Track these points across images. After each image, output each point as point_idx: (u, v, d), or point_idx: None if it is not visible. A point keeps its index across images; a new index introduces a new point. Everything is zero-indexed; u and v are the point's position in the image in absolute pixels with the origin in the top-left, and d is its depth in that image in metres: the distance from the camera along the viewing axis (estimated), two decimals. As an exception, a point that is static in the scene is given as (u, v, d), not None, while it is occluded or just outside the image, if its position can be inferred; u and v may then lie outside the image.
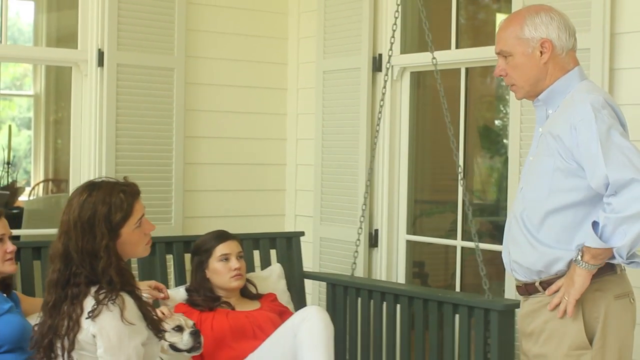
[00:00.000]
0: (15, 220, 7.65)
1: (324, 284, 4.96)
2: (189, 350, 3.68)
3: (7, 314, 3.59)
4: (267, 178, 5.54)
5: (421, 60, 4.78)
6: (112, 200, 2.98)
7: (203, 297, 4.17)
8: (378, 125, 4.88)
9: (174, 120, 5.03)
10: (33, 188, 10.17)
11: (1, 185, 9.32)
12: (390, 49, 4.81)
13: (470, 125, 5.54)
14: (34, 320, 3.18)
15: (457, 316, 4.10)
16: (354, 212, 5.01)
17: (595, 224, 2.95)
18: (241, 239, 4.39)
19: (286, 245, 4.89)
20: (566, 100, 3.10)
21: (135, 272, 4.28)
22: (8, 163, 10.40)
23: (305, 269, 4.97)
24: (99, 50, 4.82)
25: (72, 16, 5.13)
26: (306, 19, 5.49)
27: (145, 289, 4.09)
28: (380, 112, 4.85)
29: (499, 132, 6.70)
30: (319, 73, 5.30)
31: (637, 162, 2.87)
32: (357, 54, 5.02)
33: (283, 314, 4.16)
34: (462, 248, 4.80)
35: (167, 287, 4.32)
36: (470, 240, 4.32)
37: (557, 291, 3.06)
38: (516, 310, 3.78)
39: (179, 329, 3.65)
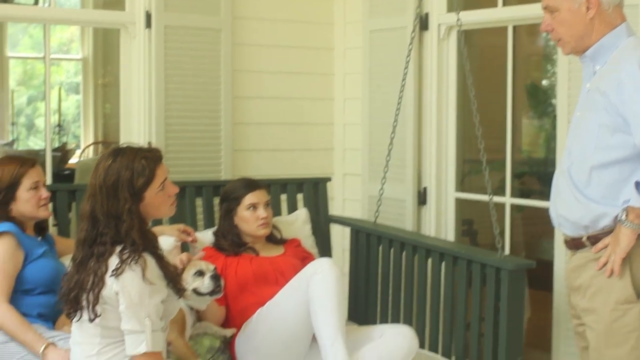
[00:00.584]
0: (68, 182, 7.80)
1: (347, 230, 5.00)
2: (210, 294, 3.80)
3: (41, 259, 3.76)
4: (315, 137, 5.57)
5: (468, 18, 4.75)
6: (134, 166, 3.09)
7: (230, 242, 4.27)
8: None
9: (221, 80, 5.07)
10: (83, 150, 10.33)
11: (52, 148, 9.44)
12: (436, 7, 4.81)
13: (517, 84, 5.52)
14: (68, 260, 3.31)
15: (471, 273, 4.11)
16: (402, 169, 5.03)
17: (638, 184, 2.96)
18: (269, 183, 4.46)
19: (313, 190, 4.94)
20: (613, 57, 3.09)
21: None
22: (59, 125, 10.56)
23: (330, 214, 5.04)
24: (147, 12, 4.87)
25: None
26: (352, -22, 5.49)
27: (174, 232, 4.20)
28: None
29: (547, 91, 6.66)
30: (366, 32, 5.30)
31: None
32: (404, 13, 5.01)
33: (306, 260, 4.21)
34: (512, 205, 4.81)
35: (196, 230, 4.42)
36: (520, 197, 4.29)
37: (603, 249, 3.08)
38: (562, 264, 3.78)
39: (200, 273, 3.79)
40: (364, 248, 4.76)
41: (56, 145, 10.13)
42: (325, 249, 4.85)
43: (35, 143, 11.71)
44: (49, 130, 5.20)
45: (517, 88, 5.63)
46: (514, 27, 4.77)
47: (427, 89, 5.02)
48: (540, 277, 4.85)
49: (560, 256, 4.29)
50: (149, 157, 3.14)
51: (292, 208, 4.88)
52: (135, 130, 4.95)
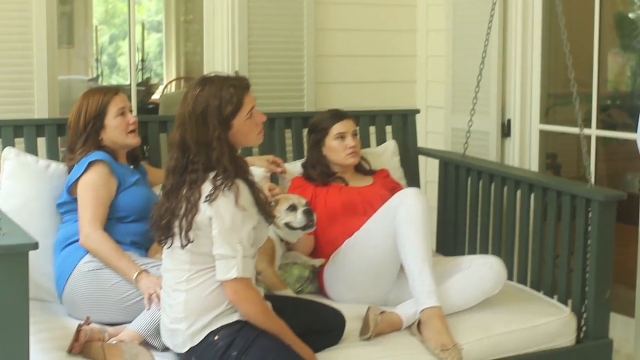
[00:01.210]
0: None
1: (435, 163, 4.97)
2: (302, 228, 3.85)
3: (134, 187, 3.83)
4: (397, 69, 5.53)
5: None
6: (222, 94, 3.10)
7: (319, 172, 4.29)
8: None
9: (304, 13, 5.04)
10: (166, 85, 10.43)
11: (137, 82, 9.58)
12: None
13: (605, 15, 5.39)
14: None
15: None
16: (485, 101, 4.96)
17: None
18: (357, 115, 4.44)
19: (401, 122, 4.92)
20: None
21: (255, 147, 4.41)
22: (142, 60, 10.68)
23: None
24: (230, -54, 4.85)
25: None
26: None
27: (264, 163, 4.23)
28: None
29: (635, 23, 6.51)
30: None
31: None
32: None
33: (394, 190, 4.17)
34: (597, 137, 4.73)
35: (285, 162, 4.45)
36: (605, 129, 4.21)
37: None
38: None
39: (293, 208, 3.83)
40: (452, 180, 4.74)
41: (140, 80, 10.25)
42: (413, 181, 4.84)
43: (117, 81, 11.85)
44: (133, 65, 5.26)
45: (604, 19, 5.50)
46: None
47: (512, 19, 4.93)
48: (625, 210, 4.78)
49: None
50: (237, 85, 3.15)
51: (381, 140, 4.87)
52: (219, 65, 4.95)
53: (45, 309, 3.70)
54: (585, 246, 3.89)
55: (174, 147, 3.16)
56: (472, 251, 4.56)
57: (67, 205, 3.79)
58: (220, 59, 4.97)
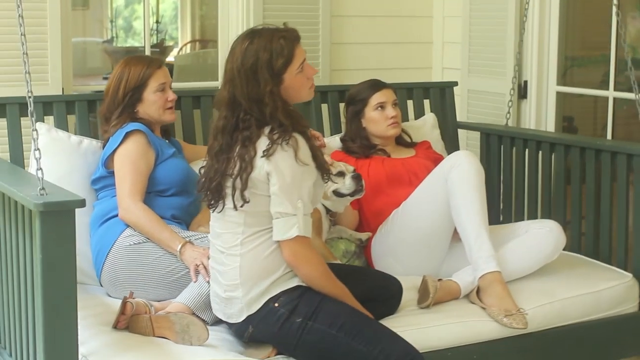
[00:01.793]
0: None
1: (476, 135, 4.85)
2: (352, 194, 3.73)
3: (172, 158, 3.66)
4: (413, 30, 5.41)
5: None
6: (272, 47, 2.93)
7: (359, 144, 4.13)
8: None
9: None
10: (181, 48, 10.41)
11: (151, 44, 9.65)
12: None
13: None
14: (197, 166, 3.20)
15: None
16: (502, 63, 4.87)
17: None
18: (395, 88, 4.30)
19: (439, 95, 4.79)
20: None
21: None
22: (157, 22, 10.64)
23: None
24: None
25: None
26: None
27: None
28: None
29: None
30: None
31: None
32: None
33: (437, 161, 4.02)
34: (614, 99, 4.59)
35: (323, 136, 4.28)
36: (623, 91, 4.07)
37: None
38: None
39: (341, 174, 3.72)
40: (496, 150, 4.60)
41: (155, 41, 10.19)
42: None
43: (132, 44, 11.78)
44: (147, 25, 5.11)
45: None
46: None
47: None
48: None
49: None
50: (287, 37, 2.98)
51: (419, 114, 4.72)
52: (234, 29, 4.79)
53: (83, 291, 3.42)
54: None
55: (223, 106, 2.98)
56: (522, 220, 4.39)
57: (104, 180, 3.61)
58: (235, 22, 4.84)
